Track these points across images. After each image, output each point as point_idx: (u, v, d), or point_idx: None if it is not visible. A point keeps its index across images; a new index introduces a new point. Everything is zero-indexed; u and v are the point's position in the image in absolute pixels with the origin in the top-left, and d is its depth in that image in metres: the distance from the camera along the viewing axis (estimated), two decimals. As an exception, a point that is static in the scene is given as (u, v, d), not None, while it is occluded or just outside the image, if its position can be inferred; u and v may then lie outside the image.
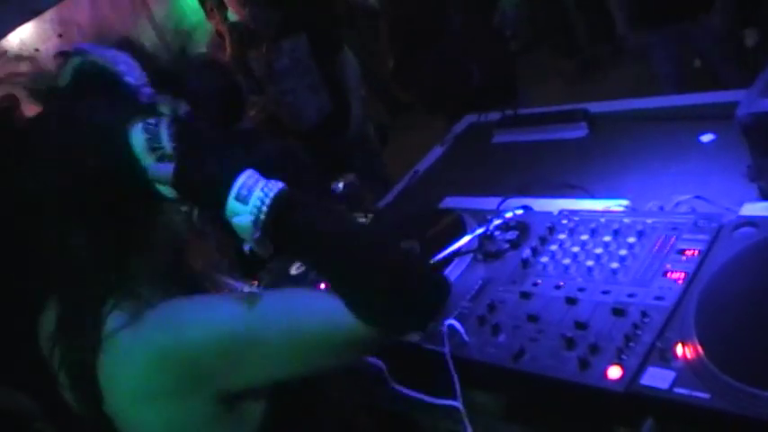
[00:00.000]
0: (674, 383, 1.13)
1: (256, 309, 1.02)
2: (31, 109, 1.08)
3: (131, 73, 1.08)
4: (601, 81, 4.99)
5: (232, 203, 0.99)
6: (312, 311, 1.03)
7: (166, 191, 1.04)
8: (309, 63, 3.52)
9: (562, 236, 1.57)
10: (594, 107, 2.26)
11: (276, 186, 1.01)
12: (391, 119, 6.36)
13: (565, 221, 1.61)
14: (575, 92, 4.68)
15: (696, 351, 1.16)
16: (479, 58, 3.41)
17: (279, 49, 3.46)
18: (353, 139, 3.67)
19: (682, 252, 1.38)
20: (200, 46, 4.59)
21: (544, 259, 1.53)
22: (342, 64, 3.61)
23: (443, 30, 3.40)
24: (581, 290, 1.40)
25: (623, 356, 1.22)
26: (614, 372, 1.20)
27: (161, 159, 1.03)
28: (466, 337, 1.40)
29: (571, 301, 1.38)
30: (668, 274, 1.34)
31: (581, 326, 1.31)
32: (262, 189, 1.00)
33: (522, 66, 4.23)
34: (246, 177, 1.00)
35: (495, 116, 2.48)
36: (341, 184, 2.08)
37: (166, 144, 1.02)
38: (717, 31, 3.31)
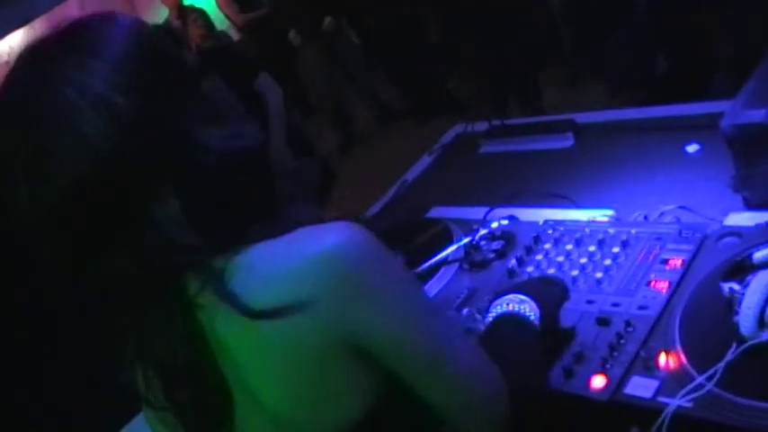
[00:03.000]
0: (658, 392, 1.14)
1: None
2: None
3: None
4: (589, 89, 5.01)
5: None
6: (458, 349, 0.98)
7: None
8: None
9: (547, 245, 1.57)
10: (581, 117, 2.27)
11: None
12: (379, 126, 6.40)
13: (550, 231, 1.61)
14: (567, 98, 4.69)
15: (679, 360, 1.17)
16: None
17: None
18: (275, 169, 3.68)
19: (666, 262, 1.38)
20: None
21: (529, 269, 1.53)
22: (261, 89, 3.54)
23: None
24: (566, 299, 1.40)
25: (607, 366, 1.22)
26: (598, 381, 1.20)
27: None
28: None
29: (556, 310, 1.38)
30: (652, 284, 1.35)
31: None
32: None
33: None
34: None
35: (482, 126, 2.49)
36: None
37: None
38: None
